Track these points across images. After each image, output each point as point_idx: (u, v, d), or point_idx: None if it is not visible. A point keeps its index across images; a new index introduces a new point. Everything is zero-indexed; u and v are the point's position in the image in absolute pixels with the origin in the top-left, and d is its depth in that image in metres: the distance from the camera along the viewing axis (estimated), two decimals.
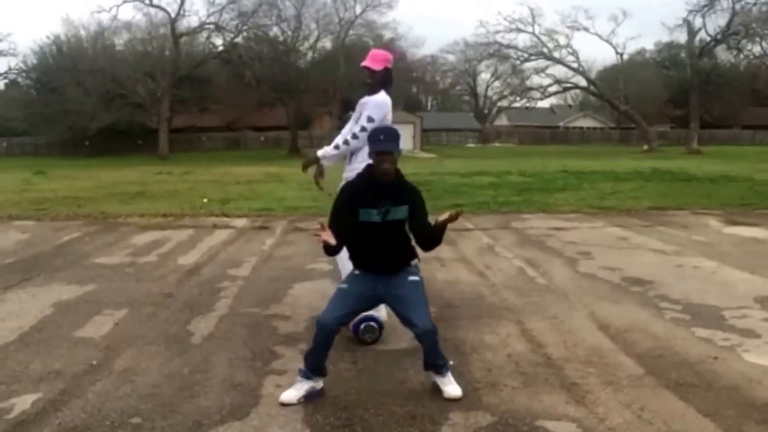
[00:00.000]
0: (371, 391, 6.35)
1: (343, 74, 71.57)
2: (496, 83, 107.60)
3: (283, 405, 6.09)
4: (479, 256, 12.70)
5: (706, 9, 66.61)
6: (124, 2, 72.90)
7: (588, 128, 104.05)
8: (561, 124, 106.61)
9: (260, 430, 5.58)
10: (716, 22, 71.89)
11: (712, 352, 7.39)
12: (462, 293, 9.97)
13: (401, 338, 7.69)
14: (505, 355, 7.20)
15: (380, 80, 8.14)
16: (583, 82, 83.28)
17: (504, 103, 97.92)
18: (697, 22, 70.58)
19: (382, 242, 6.33)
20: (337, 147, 8.10)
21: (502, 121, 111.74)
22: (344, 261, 7.51)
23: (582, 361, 7.12)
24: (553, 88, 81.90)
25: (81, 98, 65.85)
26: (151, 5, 72.35)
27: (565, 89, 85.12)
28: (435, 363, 6.29)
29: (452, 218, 6.11)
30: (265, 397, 6.27)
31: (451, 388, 6.25)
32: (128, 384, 6.58)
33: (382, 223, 6.26)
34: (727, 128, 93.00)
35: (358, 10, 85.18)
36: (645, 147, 71.96)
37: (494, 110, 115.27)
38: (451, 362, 6.75)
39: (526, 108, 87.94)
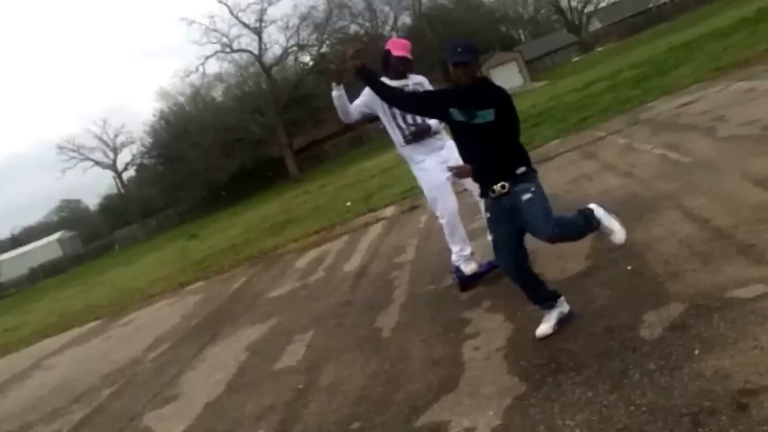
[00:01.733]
0: (564, 319, 6.42)
1: (432, 42, 71.54)
2: None
3: (541, 339, 6.28)
4: (621, 158, 12.67)
5: None
6: (206, 58, 74.81)
7: None
8: (650, 5, 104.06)
9: (473, 395, 5.71)
10: None
11: None
12: (617, 198, 9.94)
13: (576, 261, 7.79)
14: (677, 242, 7.23)
15: (411, 65, 8.57)
16: None
17: (590, 8, 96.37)
18: None
19: (477, 147, 6.34)
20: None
21: (596, 25, 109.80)
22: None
23: (750, 221, 7.06)
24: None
25: (202, 156, 67.91)
26: (233, 51, 74.19)
27: None
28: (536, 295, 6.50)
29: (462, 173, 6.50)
30: (468, 362, 6.43)
31: (542, 327, 6.39)
32: (338, 395, 6.82)
33: (469, 125, 6.31)
34: None
35: None
36: None
37: (584, 18, 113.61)
38: (629, 267, 6.91)
39: (613, 4, 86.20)
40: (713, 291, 5.86)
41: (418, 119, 8.38)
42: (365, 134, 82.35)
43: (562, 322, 6.35)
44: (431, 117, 7.67)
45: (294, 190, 47.62)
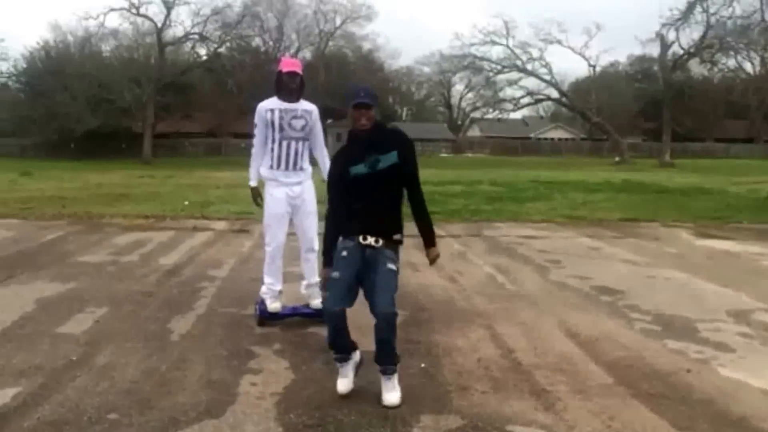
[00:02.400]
0: (358, 367, 6.53)
1: (323, 83, 71.99)
2: (470, 95, 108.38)
3: (342, 396, 6.33)
4: (451, 263, 12.77)
5: (680, 22, 66.59)
6: (111, 10, 72.80)
7: (560, 139, 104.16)
8: (533, 135, 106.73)
9: (235, 428, 5.67)
10: (690, 35, 72.85)
11: (685, 365, 7.45)
12: (434, 297, 10.12)
13: (373, 340, 7.82)
14: (475, 360, 7.32)
15: (302, 86, 8.56)
16: (555, 94, 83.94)
17: (477, 114, 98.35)
18: (671, 35, 70.55)
19: (372, 196, 6.42)
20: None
21: (475, 131, 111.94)
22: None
23: (551, 368, 7.23)
24: (526, 100, 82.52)
25: (68, 102, 66.10)
26: (138, 15, 73.11)
27: (538, 101, 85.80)
28: (387, 353, 6.33)
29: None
30: (241, 395, 6.38)
31: (390, 395, 6.30)
32: (107, 380, 6.68)
33: (373, 173, 6.36)
34: (701, 141, 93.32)
35: (338, 22, 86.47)
36: (617, 159, 72.12)
37: (467, 121, 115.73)
38: (423, 365, 6.93)
39: (499, 119, 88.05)
40: (495, 419, 5.93)
41: (298, 158, 8.50)
42: (224, 146, 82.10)
43: (356, 368, 6.53)
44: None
45: (141, 170, 46.93)
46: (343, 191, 6.54)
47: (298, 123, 8.42)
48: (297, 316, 8.66)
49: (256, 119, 8.46)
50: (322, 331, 7.88)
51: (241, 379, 6.81)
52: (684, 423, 5.96)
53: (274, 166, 8.46)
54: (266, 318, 8.56)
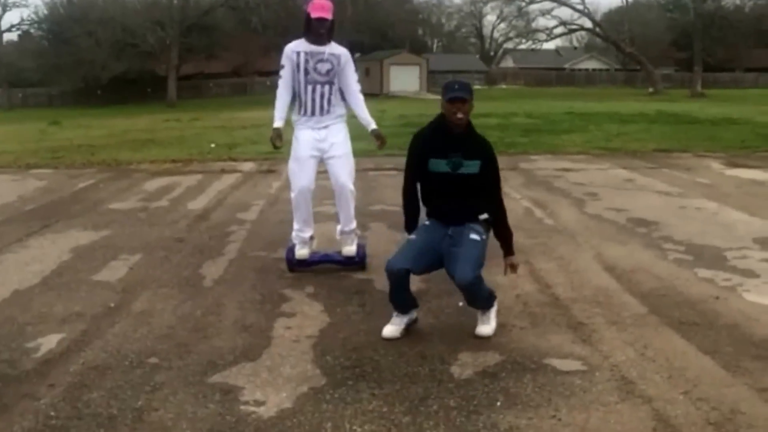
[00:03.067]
0: (380, 333, 6.47)
1: (350, 18, 71.31)
2: (502, 25, 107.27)
3: (386, 339, 6.37)
4: None
5: None
6: None
7: (593, 70, 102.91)
8: (566, 66, 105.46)
9: (272, 370, 5.70)
10: None
11: (713, 292, 7.56)
12: None
13: (411, 282, 7.85)
14: (514, 296, 7.34)
15: (332, 30, 8.25)
16: (588, 24, 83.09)
17: (510, 45, 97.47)
18: None
19: (451, 194, 6.36)
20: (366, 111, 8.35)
21: (508, 63, 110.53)
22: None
23: (588, 301, 7.29)
24: (559, 30, 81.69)
25: (92, 48, 65.91)
26: None
27: (571, 31, 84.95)
28: (480, 306, 6.46)
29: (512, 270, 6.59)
30: (276, 339, 6.42)
31: (482, 328, 6.43)
32: (145, 326, 6.75)
33: (452, 174, 6.28)
34: (731, 71, 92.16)
35: None
36: (650, 89, 71.51)
37: (500, 52, 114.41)
38: (460, 303, 6.88)
39: (532, 50, 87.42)
40: (533, 353, 5.99)
41: (323, 102, 8.18)
42: (250, 85, 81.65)
43: (409, 325, 6.50)
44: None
45: (166, 113, 46.54)
46: (418, 174, 6.54)
47: (324, 67, 8.10)
48: (329, 263, 8.50)
49: (283, 60, 8.19)
50: (356, 275, 8.03)
51: (275, 322, 6.85)
52: (710, 347, 6.11)
53: (300, 110, 8.23)
54: (294, 265, 8.40)
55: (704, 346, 6.12)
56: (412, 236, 6.52)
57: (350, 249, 8.40)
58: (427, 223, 6.60)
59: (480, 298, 6.35)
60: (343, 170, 8.26)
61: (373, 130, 8.33)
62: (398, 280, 6.24)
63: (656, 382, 5.46)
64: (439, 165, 6.28)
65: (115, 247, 9.81)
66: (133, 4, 73.22)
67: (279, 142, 8.16)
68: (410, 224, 6.69)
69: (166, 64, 70.28)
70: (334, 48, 8.21)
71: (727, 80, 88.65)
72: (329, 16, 8.08)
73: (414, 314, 6.58)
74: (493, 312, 6.49)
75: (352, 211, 8.38)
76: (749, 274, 8.24)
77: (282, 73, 8.16)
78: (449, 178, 6.30)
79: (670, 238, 9.93)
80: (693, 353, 6.00)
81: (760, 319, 6.79)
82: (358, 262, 8.42)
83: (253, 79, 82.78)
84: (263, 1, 73.17)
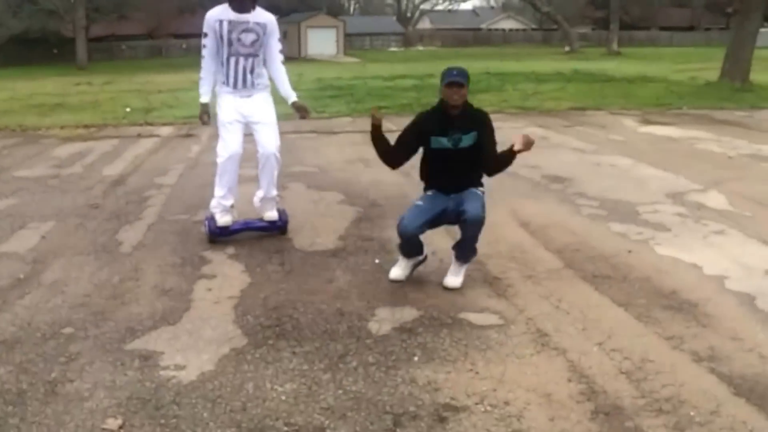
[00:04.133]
0: (300, 291, 6.56)
1: None
2: None
3: (393, 281, 6.79)
4: None
5: None
6: None
7: (511, 30, 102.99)
8: (484, 26, 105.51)
9: (193, 333, 5.71)
10: None
11: (626, 246, 7.77)
12: (386, 192, 10.23)
13: (327, 239, 7.94)
14: (429, 252, 7.28)
15: None
16: None
17: (426, 6, 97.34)
18: None
19: (453, 167, 6.78)
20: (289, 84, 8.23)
21: (425, 24, 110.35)
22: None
23: (503, 256, 7.44)
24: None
25: None
26: None
27: None
28: (465, 255, 6.77)
29: (527, 146, 6.66)
30: (196, 302, 6.42)
31: (453, 279, 6.75)
32: (59, 295, 6.64)
33: (454, 149, 6.71)
34: (646, 29, 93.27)
35: None
36: (567, 48, 71.99)
37: (417, 14, 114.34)
38: (377, 260, 7.14)
39: (449, 11, 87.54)
40: (449, 308, 6.12)
41: (246, 75, 7.92)
42: (165, 48, 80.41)
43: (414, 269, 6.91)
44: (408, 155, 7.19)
45: (76, 77, 44.94)
46: (411, 148, 6.99)
47: (248, 37, 7.77)
48: (250, 230, 8.35)
49: (206, 28, 7.83)
50: (276, 235, 8.02)
51: (196, 285, 6.84)
52: (623, 299, 6.32)
53: (225, 82, 7.94)
54: (216, 234, 8.16)
55: (618, 299, 6.30)
56: (419, 202, 6.89)
57: (272, 214, 8.31)
58: (429, 193, 6.97)
59: (476, 241, 6.71)
60: (270, 138, 8.10)
61: (294, 102, 8.21)
62: (410, 238, 6.69)
63: (571, 334, 5.60)
64: (441, 142, 6.72)
65: (24, 216, 9.52)
66: None
67: (206, 118, 8.14)
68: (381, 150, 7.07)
69: (73, 24, 67.66)
70: (260, 15, 7.86)
71: (643, 38, 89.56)
72: None
73: (422, 256, 6.94)
74: (464, 268, 6.82)
75: (276, 179, 8.30)
76: (661, 228, 8.47)
77: (205, 42, 7.85)
78: (450, 154, 6.74)
79: (584, 194, 10.13)
80: (607, 305, 6.17)
81: (671, 271, 7.01)
82: (280, 226, 8.36)
83: (168, 42, 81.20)
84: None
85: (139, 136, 16.85)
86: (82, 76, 44.76)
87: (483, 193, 6.89)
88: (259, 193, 8.37)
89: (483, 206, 6.67)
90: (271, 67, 8.09)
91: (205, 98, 8.03)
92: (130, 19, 76.66)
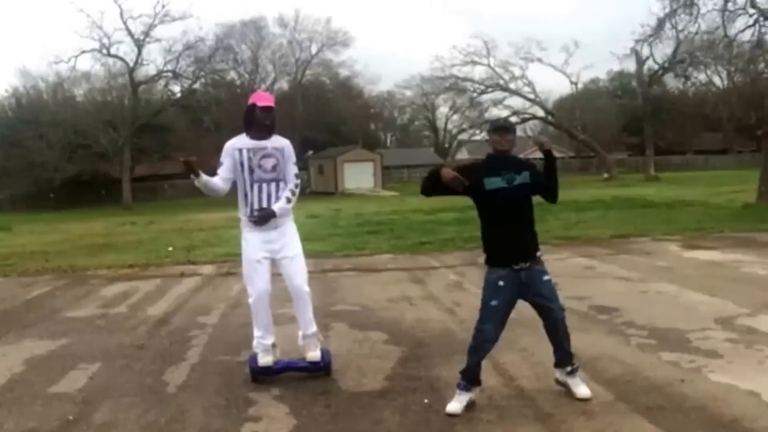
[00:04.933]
0: None
1: (301, 114, 71.65)
2: (455, 116, 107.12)
3: (450, 415, 6.68)
4: (447, 293, 12.73)
5: (651, 38, 66.24)
6: (83, 53, 71.88)
7: None
8: (521, 155, 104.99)
9: None
10: (663, 50, 72.25)
11: (678, 375, 7.57)
12: (432, 331, 10.05)
13: (374, 379, 7.81)
14: (479, 390, 7.21)
15: (274, 123, 8.15)
16: (540, 113, 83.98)
17: (464, 136, 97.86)
18: (645, 51, 70.95)
19: (511, 213, 6.94)
20: (288, 200, 8.09)
21: (463, 154, 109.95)
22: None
23: (554, 391, 7.22)
24: (512, 120, 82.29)
25: (43, 150, 64.79)
26: (109, 55, 72.28)
27: (523, 120, 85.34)
28: (570, 353, 7.12)
29: (543, 144, 7.32)
30: None
31: (581, 389, 6.97)
32: None
33: (509, 188, 6.89)
34: (681, 154, 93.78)
35: (314, 50, 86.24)
36: (605, 175, 72.43)
37: (454, 144, 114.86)
38: (426, 401, 7.01)
39: (486, 141, 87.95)
40: None
41: (271, 202, 7.96)
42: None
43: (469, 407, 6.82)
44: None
45: (122, 216, 46.37)
46: (469, 191, 6.97)
47: (269, 163, 7.95)
48: (293, 371, 8.22)
49: (223, 156, 8.00)
50: (321, 376, 7.91)
51: (242, 427, 6.74)
52: (680, 430, 6.15)
53: (247, 211, 7.98)
54: (258, 374, 8.09)
55: (674, 429, 6.12)
56: (494, 302, 6.92)
57: (314, 354, 8.14)
58: (500, 283, 6.91)
59: (568, 336, 7.12)
60: (298, 271, 8.08)
61: (265, 209, 8.01)
62: (488, 349, 6.97)
63: None
64: (496, 182, 6.89)
65: (74, 356, 9.55)
66: (84, 105, 72.68)
67: (194, 176, 7.95)
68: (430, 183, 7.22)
69: (120, 165, 69.66)
70: (277, 141, 8.09)
71: (679, 163, 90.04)
72: (274, 105, 8.07)
73: (474, 394, 6.98)
74: (579, 373, 7.16)
75: (311, 313, 8.21)
76: (713, 354, 8.28)
77: (222, 161, 8.00)
78: (506, 193, 6.90)
79: (632, 323, 9.96)
80: None
81: (727, 399, 6.81)
82: (323, 368, 8.18)
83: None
84: (215, 99, 73.24)
85: (182, 274, 16.84)
86: (126, 216, 46.15)
87: (550, 277, 7.10)
88: (299, 333, 8.28)
89: (558, 297, 7.10)
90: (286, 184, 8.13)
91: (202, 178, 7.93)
92: (172, 158, 78.11)
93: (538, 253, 7.04)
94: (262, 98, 8.11)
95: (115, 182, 70.90)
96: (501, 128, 7.06)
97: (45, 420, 7.13)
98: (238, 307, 12.34)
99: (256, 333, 8.12)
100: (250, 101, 8.09)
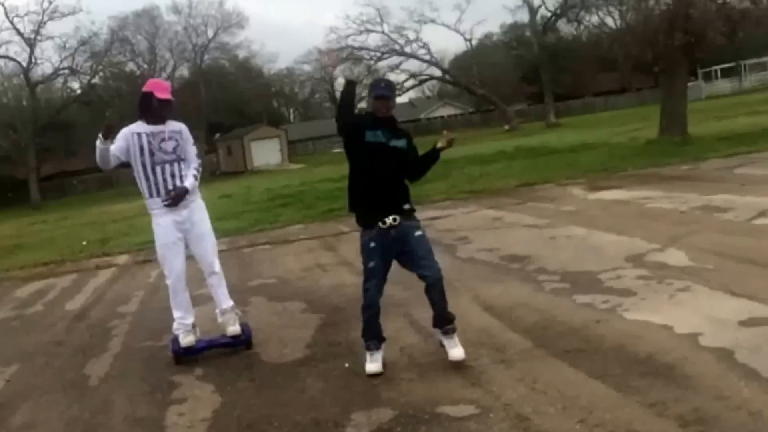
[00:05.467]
0: (273, 405, 6.45)
1: (205, 99, 71.08)
2: None
3: (371, 376, 6.76)
4: (358, 257, 12.65)
5: None
6: None
7: (449, 116, 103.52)
8: (422, 116, 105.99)
9: None
10: None
11: (594, 316, 7.70)
12: (348, 296, 9.98)
13: (295, 348, 7.84)
14: (398, 349, 7.34)
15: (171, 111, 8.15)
16: (437, 72, 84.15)
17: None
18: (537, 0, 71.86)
19: (384, 171, 6.98)
20: (195, 178, 8.14)
21: None
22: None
23: (473, 343, 7.27)
24: (410, 83, 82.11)
25: None
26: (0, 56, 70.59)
27: (421, 81, 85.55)
28: (444, 316, 6.95)
29: (449, 144, 7.27)
30: (170, 428, 6.32)
31: (455, 351, 6.84)
32: None
33: (386, 145, 7.00)
34: (580, 98, 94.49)
35: (210, 34, 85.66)
36: (506, 127, 72.90)
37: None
38: (347, 365, 7.08)
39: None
40: (424, 404, 5.98)
41: (175, 181, 7.95)
42: (115, 178, 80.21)
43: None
44: (348, 126, 7.21)
45: (32, 216, 45.41)
46: (352, 139, 7.11)
47: (169, 145, 7.96)
48: (215, 348, 8.24)
49: (118, 139, 7.88)
50: (243, 350, 7.94)
51: (167, 411, 6.72)
52: (599, 371, 6.21)
53: (153, 193, 7.94)
54: (181, 355, 8.10)
55: (593, 371, 6.20)
56: (371, 264, 7.03)
57: (234, 328, 8.17)
58: (372, 245, 7.03)
59: (445, 301, 6.99)
60: (209, 249, 8.21)
61: (179, 187, 8.01)
62: (376, 306, 6.98)
63: (551, 414, 5.51)
64: (376, 136, 6.97)
65: None
66: None
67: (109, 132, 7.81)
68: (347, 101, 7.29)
69: (25, 166, 68.08)
70: (173, 125, 8.11)
71: (579, 107, 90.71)
72: (171, 97, 8.07)
73: (383, 351, 7.05)
74: (456, 336, 6.94)
75: (225, 288, 8.30)
76: (626, 293, 8.42)
77: (113, 145, 7.86)
78: (384, 149, 6.99)
79: (544, 269, 10.09)
80: (583, 380, 6.08)
81: (642, 335, 6.94)
82: (244, 341, 8.22)
83: (117, 171, 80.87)
84: (116, 92, 72.14)
85: (97, 267, 16.63)
86: (37, 216, 45.09)
87: (423, 231, 7.18)
88: (217, 310, 8.34)
89: (434, 260, 7.02)
90: (186, 166, 8.13)
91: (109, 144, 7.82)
92: (78, 154, 76.68)
93: (406, 206, 7.12)
94: (160, 89, 8.05)
95: (22, 183, 69.11)
96: (382, 96, 7.11)
97: None
98: (156, 292, 12.27)
99: (176, 314, 8.14)
100: (147, 88, 8.04)
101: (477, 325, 7.94)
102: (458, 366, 6.74)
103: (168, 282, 8.18)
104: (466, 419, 5.60)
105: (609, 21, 78.14)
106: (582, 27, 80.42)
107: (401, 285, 9.83)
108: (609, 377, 6.04)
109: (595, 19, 77.72)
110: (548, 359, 6.68)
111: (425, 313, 8.35)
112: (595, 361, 6.44)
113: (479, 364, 6.74)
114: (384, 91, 7.17)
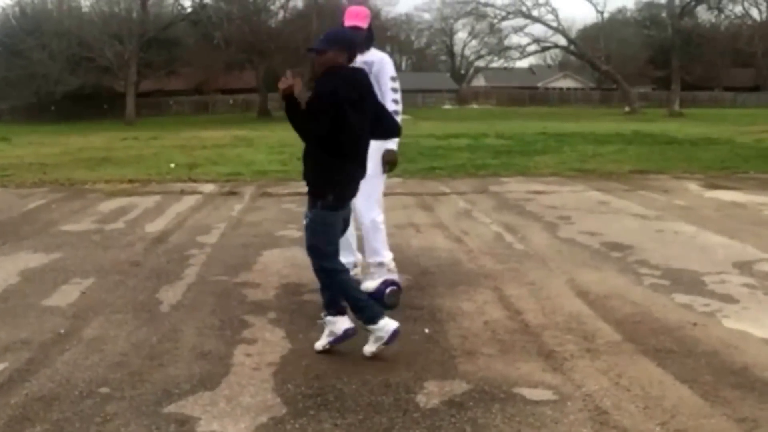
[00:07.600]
0: (343, 360, 6.30)
1: (316, 33, 70.94)
2: (474, 42, 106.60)
3: (318, 352, 6.44)
4: (456, 221, 12.57)
5: None
6: None
7: (568, 89, 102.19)
8: (540, 84, 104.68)
9: (231, 400, 5.49)
10: None
11: (691, 318, 7.35)
12: (438, 259, 9.85)
13: None
14: (482, 323, 7.13)
15: (369, 38, 7.82)
16: (562, 42, 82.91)
17: (481, 63, 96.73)
18: None
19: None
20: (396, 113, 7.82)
21: (480, 81, 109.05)
22: None
23: (560, 328, 7.06)
24: (532, 48, 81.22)
25: (46, 62, 63.54)
26: None
27: (545, 49, 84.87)
28: (325, 300, 6.54)
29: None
30: (236, 366, 6.19)
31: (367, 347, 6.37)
32: (96, 353, 6.47)
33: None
34: (709, 90, 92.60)
35: None
36: (627, 109, 71.61)
37: (471, 71, 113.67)
38: (427, 330, 6.86)
39: (505, 68, 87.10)
40: (501, 382, 5.79)
41: None
42: (212, 103, 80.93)
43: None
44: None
45: (124, 131, 45.47)
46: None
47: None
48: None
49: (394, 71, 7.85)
50: (319, 299, 7.73)
51: (235, 349, 6.61)
52: (688, 376, 5.92)
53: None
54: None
55: (682, 375, 5.92)
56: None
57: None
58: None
59: (319, 278, 6.51)
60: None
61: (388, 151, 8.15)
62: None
63: (631, 412, 5.27)
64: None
65: (67, 271, 9.48)
66: (90, 17, 70.30)
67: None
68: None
69: (125, 80, 67.77)
70: (368, 55, 7.80)
71: (706, 99, 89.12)
72: (362, 24, 7.74)
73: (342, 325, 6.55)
74: (327, 327, 6.54)
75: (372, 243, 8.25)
76: (728, 299, 8.04)
77: None
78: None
79: (646, 262, 9.72)
80: (670, 382, 5.80)
81: (740, 346, 6.59)
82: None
83: (215, 98, 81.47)
84: (226, 15, 71.74)
85: (182, 192, 16.75)
86: (129, 131, 45.12)
87: (309, 217, 6.36)
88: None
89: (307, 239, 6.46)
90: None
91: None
92: (179, 74, 77.14)
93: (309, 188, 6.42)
94: (351, 14, 7.79)
95: (119, 97, 69.40)
96: (308, 49, 6.61)
97: (37, 332, 7.06)
98: (238, 227, 12.31)
99: (387, 254, 8.20)
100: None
101: (568, 309, 7.66)
102: (542, 349, 6.51)
103: (380, 219, 8.14)
104: (542, 404, 5.39)
105: (754, 12, 76.47)
106: (723, 16, 78.56)
107: (494, 258, 9.63)
108: (698, 384, 5.74)
109: (738, 9, 75.94)
110: (637, 355, 6.38)
111: (515, 290, 8.17)
112: (686, 365, 6.14)
113: (564, 351, 6.47)
114: (314, 43, 6.38)
